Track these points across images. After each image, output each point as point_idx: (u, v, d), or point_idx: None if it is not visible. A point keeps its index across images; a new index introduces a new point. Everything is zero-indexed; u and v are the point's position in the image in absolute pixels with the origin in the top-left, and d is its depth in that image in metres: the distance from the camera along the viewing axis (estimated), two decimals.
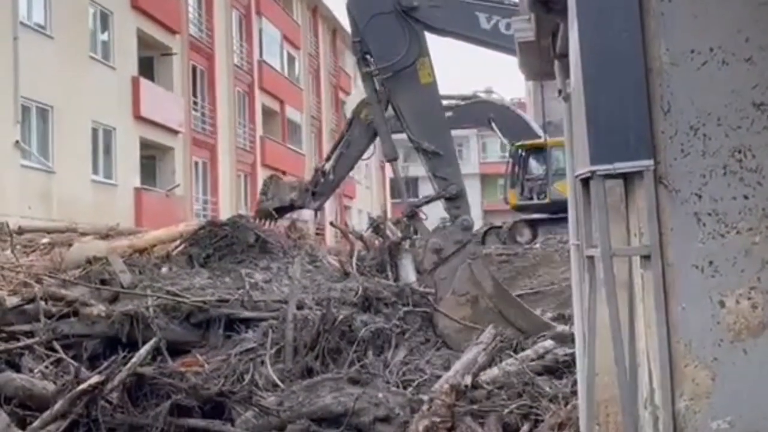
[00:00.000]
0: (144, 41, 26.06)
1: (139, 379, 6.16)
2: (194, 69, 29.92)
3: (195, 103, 29.92)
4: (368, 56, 11.10)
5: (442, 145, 10.99)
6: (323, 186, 15.46)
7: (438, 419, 5.56)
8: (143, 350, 7.06)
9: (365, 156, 18.58)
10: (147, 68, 26.68)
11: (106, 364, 6.47)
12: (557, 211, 21.35)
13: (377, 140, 13.48)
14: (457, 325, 10.69)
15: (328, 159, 18.94)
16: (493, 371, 8.46)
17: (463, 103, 19.60)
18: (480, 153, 74.79)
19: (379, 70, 10.96)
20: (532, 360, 9.11)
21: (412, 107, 10.97)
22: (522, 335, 10.12)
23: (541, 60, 7.37)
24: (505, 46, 11.32)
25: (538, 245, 19.29)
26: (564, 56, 6.62)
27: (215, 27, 31.51)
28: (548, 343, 9.87)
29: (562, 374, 9.09)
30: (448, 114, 18.32)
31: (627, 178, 3.43)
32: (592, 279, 3.66)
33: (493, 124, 21.89)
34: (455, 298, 10.89)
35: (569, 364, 9.33)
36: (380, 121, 11.25)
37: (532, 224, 22.44)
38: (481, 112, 20.84)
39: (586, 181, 3.51)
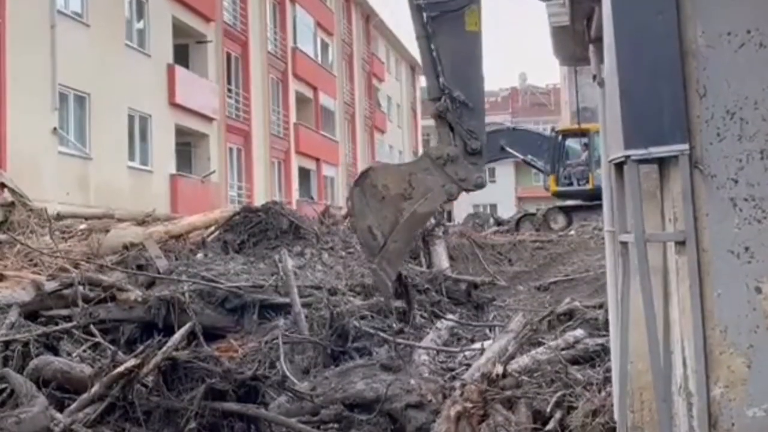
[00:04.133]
0: (179, 29, 26.22)
1: (174, 363, 6.23)
2: (228, 56, 30.06)
3: (229, 90, 30.07)
4: None
5: (474, 97, 10.75)
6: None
7: (471, 405, 5.55)
8: (178, 334, 7.14)
9: None
10: (182, 56, 26.85)
11: (141, 347, 6.55)
12: (600, 197, 21.17)
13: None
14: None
15: (326, 211, 18.98)
16: (524, 359, 8.42)
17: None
18: None
19: (426, 5, 10.77)
20: (563, 349, 9.05)
21: (452, 52, 10.74)
22: (371, 252, 9.87)
23: (576, 45, 7.30)
24: None
25: (573, 232, 19.15)
26: (599, 40, 6.56)
27: (249, 14, 31.60)
28: (578, 332, 9.81)
29: (594, 363, 9.04)
30: None
31: (662, 162, 3.38)
32: (626, 265, 3.62)
33: (509, 149, 21.71)
34: (398, 175, 10.47)
35: (600, 354, 9.29)
36: (425, 57, 10.98)
37: (567, 211, 22.27)
38: (491, 144, 20.41)
39: (620, 166, 3.47)
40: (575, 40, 7.12)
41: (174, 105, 25.26)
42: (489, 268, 16.75)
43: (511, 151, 21.58)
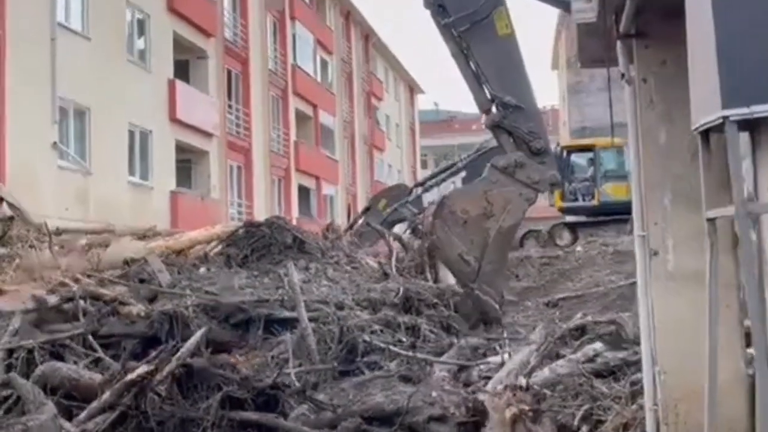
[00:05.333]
0: (180, 44, 26.04)
1: (189, 370, 5.92)
2: (229, 73, 29.87)
3: (230, 106, 29.86)
4: (442, 8, 10.62)
5: (524, 98, 10.44)
6: None
7: (526, 407, 5.26)
8: (193, 339, 6.84)
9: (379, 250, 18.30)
10: (182, 71, 26.65)
11: (154, 353, 6.25)
12: (607, 213, 20.94)
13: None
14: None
15: (329, 227, 18.77)
16: (544, 373, 8.14)
17: (473, 158, 18.84)
18: None
19: (455, 22, 10.44)
20: (583, 362, 8.77)
21: (491, 60, 10.43)
22: (468, 279, 9.40)
23: (602, 44, 7.05)
24: None
25: (579, 248, 18.87)
26: (629, 36, 6.31)
27: (250, 31, 31.46)
28: (597, 345, 9.52)
29: (617, 377, 8.75)
30: (462, 175, 17.98)
31: (756, 128, 3.06)
32: (713, 245, 3.30)
33: None
34: (474, 196, 10.07)
35: (621, 367, 8.98)
36: (466, 73, 10.64)
37: (572, 227, 22.01)
38: None
39: (705, 134, 3.13)
40: (601, 39, 6.87)
41: (175, 120, 25.02)
42: None
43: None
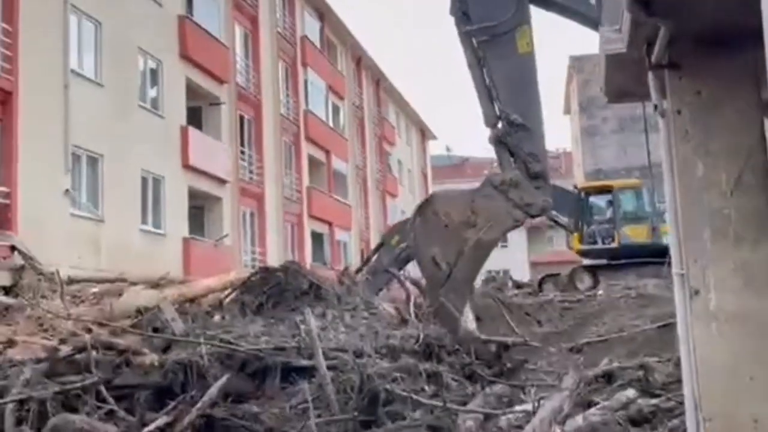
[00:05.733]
0: (192, 90, 26.05)
1: (209, 421, 5.60)
2: (242, 118, 29.87)
3: (242, 152, 29.80)
4: (466, 15, 10.41)
5: (531, 119, 10.20)
6: None
7: None
8: (214, 388, 6.52)
9: (391, 288, 17.95)
10: (195, 117, 26.63)
11: (173, 404, 5.93)
12: (627, 256, 20.53)
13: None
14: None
15: (345, 269, 18.51)
16: (577, 421, 7.79)
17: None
18: None
19: (476, 31, 10.22)
20: (616, 410, 8.41)
21: (506, 76, 10.21)
22: (436, 283, 9.03)
23: (629, 76, 6.80)
24: None
25: (601, 292, 18.46)
26: (661, 67, 6.05)
27: (262, 77, 31.52)
28: (630, 392, 9.16)
29: (653, 425, 8.39)
30: None
31: None
32: None
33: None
34: (461, 202, 9.71)
35: (656, 414, 8.61)
36: (478, 84, 10.43)
37: (593, 271, 21.55)
38: None
39: None
40: (629, 71, 6.62)
41: (187, 167, 24.92)
42: (518, 329, 16.03)
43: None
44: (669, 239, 6.05)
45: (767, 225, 5.78)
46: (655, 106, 6.05)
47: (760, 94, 6.03)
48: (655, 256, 21.35)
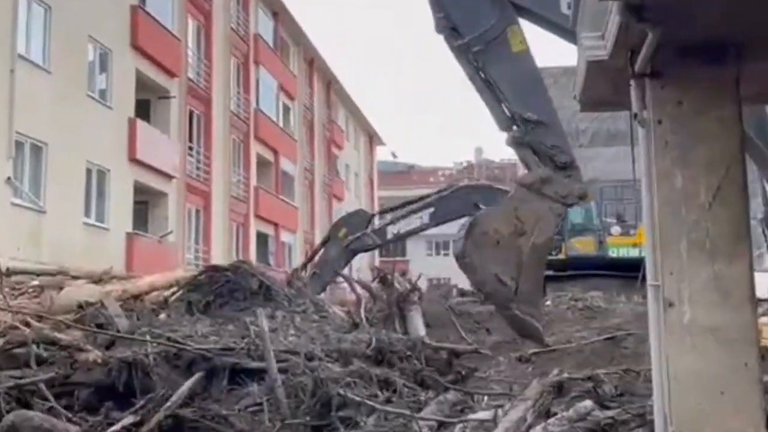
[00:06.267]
0: (142, 83, 25.49)
1: (178, 423, 5.32)
2: (191, 114, 29.34)
3: (190, 148, 29.27)
4: (454, 30, 10.29)
5: (545, 112, 10.08)
6: None
7: None
8: (185, 387, 6.24)
9: (339, 279, 17.87)
10: (144, 110, 26.05)
11: (141, 402, 5.64)
12: (573, 268, 20.69)
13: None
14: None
15: (296, 271, 18.32)
16: (536, 431, 7.68)
17: (443, 194, 18.47)
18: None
19: (468, 43, 10.11)
20: (575, 421, 8.33)
21: (508, 77, 10.10)
22: (505, 301, 8.99)
23: (608, 84, 6.71)
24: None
25: (549, 302, 18.51)
26: (643, 76, 5.97)
27: (214, 72, 31.04)
28: (587, 403, 9.10)
29: None
30: (430, 211, 17.69)
31: None
32: None
33: (483, 207, 21.08)
34: (504, 215, 9.59)
35: (613, 425, 8.57)
36: (484, 93, 10.29)
37: None
38: (465, 199, 19.44)
39: None
40: (608, 79, 6.54)
41: (134, 160, 24.37)
42: (467, 336, 15.96)
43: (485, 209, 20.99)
44: (645, 250, 5.96)
45: (744, 239, 5.73)
46: (635, 115, 5.96)
47: (740, 106, 6.00)
48: (601, 268, 21.56)
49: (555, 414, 8.40)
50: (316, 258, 18.68)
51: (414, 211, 18.14)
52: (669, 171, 5.81)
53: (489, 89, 10.12)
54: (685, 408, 5.67)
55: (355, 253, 18.29)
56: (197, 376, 7.03)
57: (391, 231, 18.68)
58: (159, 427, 5.18)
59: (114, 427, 5.01)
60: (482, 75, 10.13)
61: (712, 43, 5.71)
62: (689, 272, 5.72)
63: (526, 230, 9.13)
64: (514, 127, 10.02)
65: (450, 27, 10.16)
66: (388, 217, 18.97)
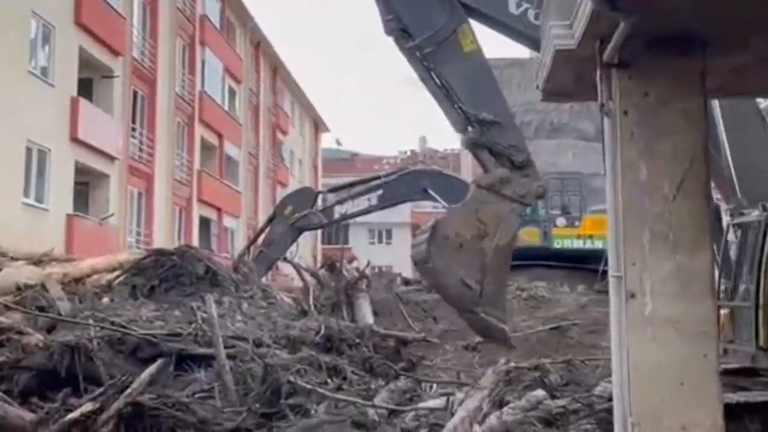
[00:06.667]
0: (85, 60, 24.81)
1: (138, 409, 5.13)
2: (135, 94, 28.71)
3: (134, 129, 28.64)
4: (404, 32, 10.20)
5: (500, 112, 10.05)
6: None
7: None
8: (146, 374, 6.05)
9: (287, 256, 17.76)
10: (86, 89, 25.38)
11: (102, 389, 5.43)
12: (519, 258, 20.82)
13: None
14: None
15: (242, 256, 18.14)
16: (491, 420, 7.69)
17: (392, 177, 18.43)
18: (412, 203, 74.46)
19: (419, 44, 10.04)
20: (527, 410, 8.38)
21: (461, 78, 10.04)
22: (471, 304, 9.00)
23: (572, 75, 6.69)
24: (530, 36, 10.63)
25: None
26: (611, 66, 5.95)
27: (159, 52, 30.40)
28: (539, 392, 9.16)
29: (559, 425, 8.41)
30: (378, 193, 17.65)
31: None
32: None
33: (431, 192, 21.04)
34: (466, 217, 9.55)
35: (564, 415, 8.63)
36: (437, 94, 10.22)
37: None
38: (413, 183, 19.39)
39: None
40: (573, 69, 6.51)
41: (75, 140, 23.73)
42: (414, 325, 15.98)
43: (433, 194, 20.93)
44: (608, 241, 5.96)
45: (706, 231, 5.77)
46: (602, 106, 5.95)
47: (706, 99, 6.03)
48: (545, 259, 21.77)
49: (508, 403, 8.44)
50: (261, 239, 18.50)
51: (362, 193, 18.06)
52: (634, 162, 5.82)
53: (442, 91, 10.08)
54: (645, 399, 5.70)
55: (301, 231, 18.17)
56: (159, 362, 6.84)
57: (339, 211, 18.61)
58: (119, 415, 4.99)
59: (72, 414, 4.81)
60: (435, 77, 10.10)
61: (680, 35, 5.72)
62: (651, 264, 5.75)
63: (488, 232, 9.09)
64: (470, 128, 9.98)
65: (400, 29, 10.08)
66: (331, 197, 18.90)
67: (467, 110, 9.70)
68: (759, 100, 11.99)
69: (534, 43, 11.05)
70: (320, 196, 19.18)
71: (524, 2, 9.96)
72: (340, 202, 18.45)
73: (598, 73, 5.93)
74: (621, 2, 5.00)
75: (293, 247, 17.89)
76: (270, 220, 18.33)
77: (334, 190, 19.42)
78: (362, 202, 18.23)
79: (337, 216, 18.46)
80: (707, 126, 5.90)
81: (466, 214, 9.35)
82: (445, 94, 9.91)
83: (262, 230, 18.85)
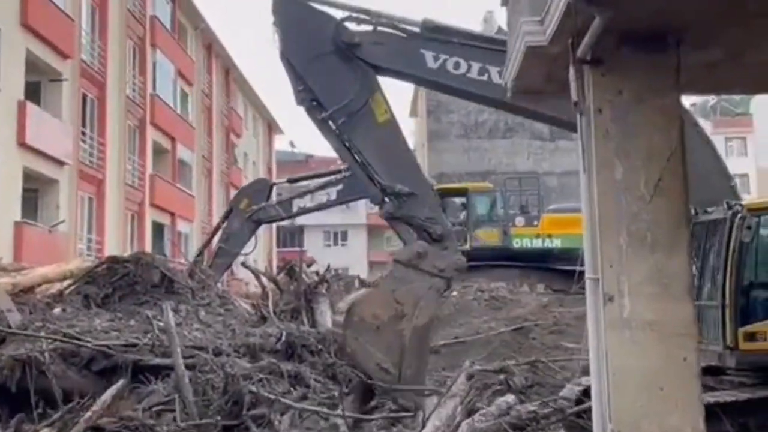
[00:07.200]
0: (32, 63, 24.13)
1: None
2: (84, 97, 28.02)
3: (83, 133, 27.96)
4: (316, 103, 9.96)
5: (416, 183, 9.87)
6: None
7: None
8: (107, 395, 5.71)
9: (246, 250, 17.46)
10: (34, 93, 24.68)
11: (60, 412, 5.11)
12: (478, 258, 20.73)
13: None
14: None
15: (200, 253, 17.78)
16: (463, 429, 7.50)
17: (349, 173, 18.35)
18: (367, 204, 74.23)
19: (331, 116, 9.79)
20: (497, 416, 8.20)
21: (375, 150, 9.84)
22: (386, 392, 8.81)
23: (542, 72, 6.52)
24: (451, 86, 10.51)
25: (455, 293, 18.48)
26: (584, 63, 5.78)
27: (109, 55, 29.73)
28: (509, 398, 9.00)
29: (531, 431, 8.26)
30: (338, 188, 17.45)
31: None
32: None
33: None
34: (382, 298, 9.33)
35: (536, 419, 8.49)
36: (353, 166, 10.02)
37: None
38: None
39: None
40: (544, 66, 6.34)
41: (23, 145, 23.05)
42: None
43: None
44: (584, 243, 5.79)
45: (684, 230, 5.64)
46: (575, 103, 5.78)
47: (680, 94, 5.89)
48: (505, 258, 21.71)
49: (478, 409, 8.26)
50: (218, 237, 18.13)
51: (322, 187, 17.81)
52: (609, 161, 5.67)
53: (357, 162, 9.92)
54: (624, 405, 5.55)
55: (258, 223, 17.85)
56: (120, 383, 6.52)
57: (297, 204, 18.35)
58: None
59: None
60: (349, 148, 9.92)
61: (654, 30, 5.59)
62: (629, 265, 5.60)
63: (406, 312, 8.91)
64: (387, 200, 9.83)
65: (311, 99, 9.87)
66: (286, 187, 18.55)
67: (383, 182, 9.55)
68: (690, 107, 12.04)
69: (455, 92, 10.98)
70: (275, 188, 18.87)
71: (442, 54, 9.84)
72: (299, 195, 18.23)
73: (570, 70, 5.77)
74: None
75: (252, 241, 17.51)
76: (226, 215, 17.96)
77: (293, 180, 19.14)
78: (321, 197, 18.00)
79: (295, 209, 18.20)
80: (682, 122, 5.77)
81: (382, 294, 9.19)
82: (360, 166, 9.76)
83: (218, 227, 18.47)
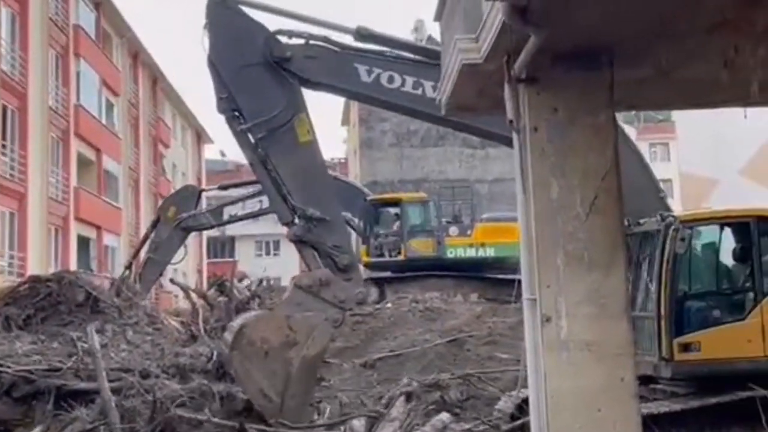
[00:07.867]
0: None
1: None
2: (4, 109, 27.11)
3: (3, 146, 27.03)
4: (238, 113, 9.72)
5: (328, 210, 9.72)
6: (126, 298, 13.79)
7: None
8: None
9: (176, 260, 17.06)
10: None
11: None
12: (412, 269, 20.63)
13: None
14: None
15: (129, 266, 17.33)
16: None
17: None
18: None
19: (251, 128, 9.55)
20: None
21: (292, 169, 9.65)
22: (270, 416, 8.65)
23: (475, 89, 6.45)
24: (385, 100, 10.43)
25: (390, 305, 18.35)
26: (519, 81, 5.72)
27: (30, 64, 28.83)
28: (444, 416, 8.92)
29: None
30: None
31: None
32: None
33: None
34: (275, 323, 9.09)
35: None
36: (265, 182, 9.79)
37: (379, 283, 21.44)
38: None
39: None
40: (477, 83, 6.27)
41: None
42: None
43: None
44: (521, 263, 5.72)
45: (619, 247, 5.62)
46: (511, 122, 5.72)
47: (614, 112, 5.88)
48: (438, 269, 21.67)
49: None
50: (145, 248, 17.68)
51: (253, 195, 17.52)
52: (546, 180, 5.61)
53: (271, 179, 9.75)
54: (562, 426, 5.49)
55: (188, 231, 17.45)
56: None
57: (228, 212, 18.03)
58: None
59: None
60: (264, 163, 9.75)
61: (588, 49, 5.56)
62: (566, 285, 5.55)
63: (298, 341, 8.71)
64: (296, 221, 9.70)
65: (232, 109, 9.70)
66: (213, 194, 18.14)
67: (295, 203, 9.42)
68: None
69: (389, 106, 10.94)
70: (204, 197, 18.54)
71: (375, 69, 9.78)
72: (230, 203, 17.91)
73: (506, 88, 5.71)
74: (533, 16, 4.76)
75: (181, 251, 17.11)
76: (154, 225, 17.51)
77: (225, 188, 18.83)
78: (255, 205, 17.73)
79: (226, 217, 17.87)
80: (617, 140, 5.75)
81: (276, 319, 8.99)
82: (273, 183, 9.60)
83: (146, 238, 18.01)
